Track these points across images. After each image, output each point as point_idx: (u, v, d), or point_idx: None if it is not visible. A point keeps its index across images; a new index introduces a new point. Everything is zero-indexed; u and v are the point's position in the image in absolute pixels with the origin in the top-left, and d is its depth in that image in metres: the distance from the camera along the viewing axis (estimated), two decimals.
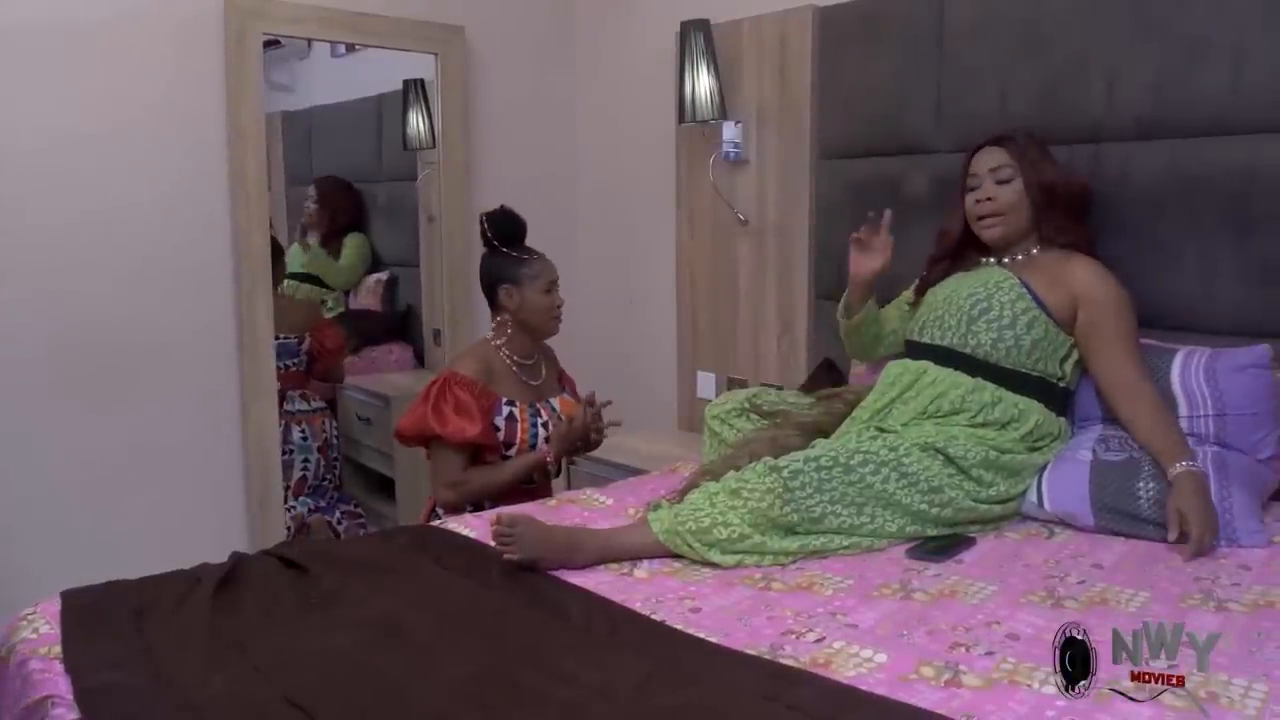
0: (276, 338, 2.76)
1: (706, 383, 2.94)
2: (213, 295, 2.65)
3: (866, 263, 2.10)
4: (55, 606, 1.48)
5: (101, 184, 2.47)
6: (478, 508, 2.17)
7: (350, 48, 3.06)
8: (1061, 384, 1.94)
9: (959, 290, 1.99)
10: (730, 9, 2.74)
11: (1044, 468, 1.87)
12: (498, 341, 2.27)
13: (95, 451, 2.52)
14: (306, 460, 3.00)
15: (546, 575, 1.62)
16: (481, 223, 2.27)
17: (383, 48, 2.92)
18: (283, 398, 2.84)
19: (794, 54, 2.62)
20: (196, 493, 2.67)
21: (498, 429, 2.20)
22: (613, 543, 1.70)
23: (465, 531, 1.85)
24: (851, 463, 1.71)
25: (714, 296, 2.90)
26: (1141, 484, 1.75)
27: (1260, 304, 1.92)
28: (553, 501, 2.09)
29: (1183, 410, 1.85)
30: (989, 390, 1.88)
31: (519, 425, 2.21)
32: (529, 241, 2.35)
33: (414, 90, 3.09)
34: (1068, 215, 1.99)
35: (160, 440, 2.61)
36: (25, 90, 2.35)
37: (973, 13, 2.28)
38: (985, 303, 1.93)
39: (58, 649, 1.36)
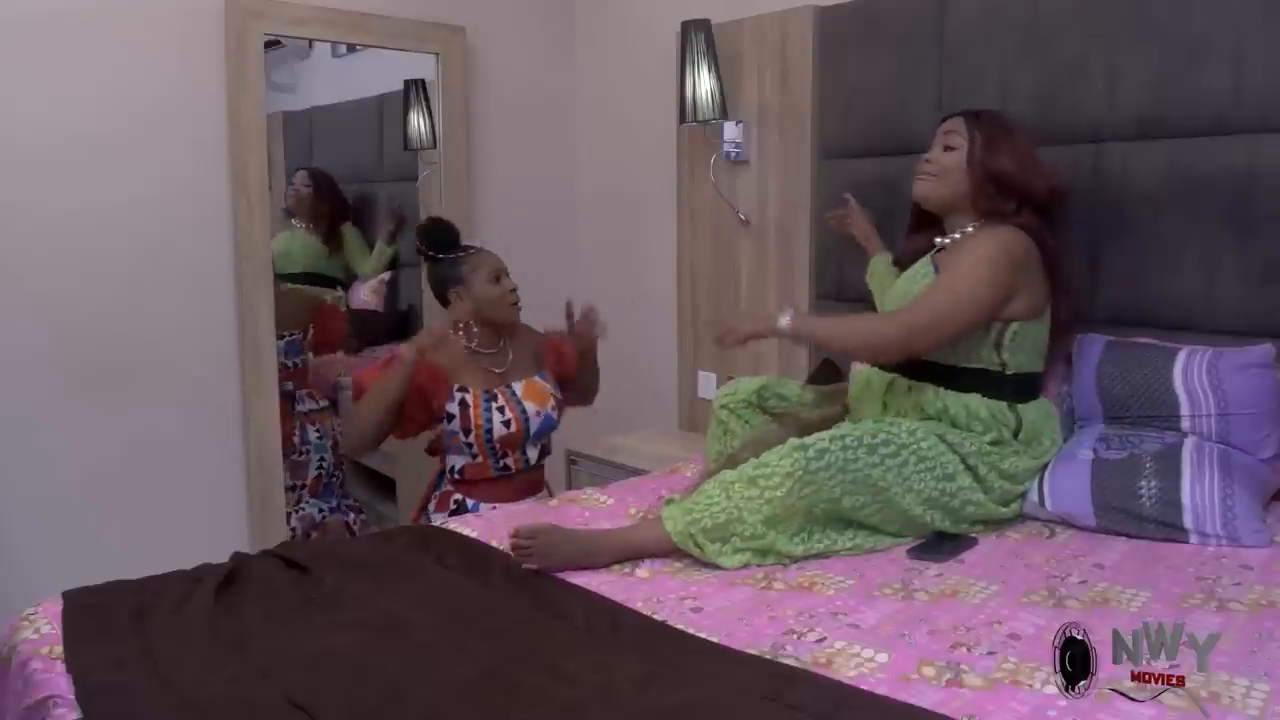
0: (280, 337, 2.75)
1: (707, 382, 2.94)
2: (213, 295, 2.65)
3: (854, 229, 2.41)
4: (56, 606, 1.48)
5: (103, 184, 2.47)
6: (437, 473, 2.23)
7: (351, 48, 3.05)
8: (1006, 371, 1.87)
9: (896, 288, 2.00)
10: (730, 9, 2.74)
11: (1045, 467, 1.87)
12: (458, 333, 2.28)
13: (96, 451, 2.52)
14: (322, 459, 3.00)
15: (548, 575, 1.62)
16: (415, 239, 2.29)
17: (383, 48, 2.92)
18: (293, 398, 2.83)
19: (794, 54, 2.62)
20: (197, 493, 2.67)
21: (451, 416, 2.21)
22: (630, 542, 1.70)
23: (466, 531, 1.85)
24: (875, 442, 1.70)
25: (714, 296, 2.90)
26: (1143, 483, 1.75)
27: (1261, 304, 1.92)
28: (554, 501, 2.09)
29: (1185, 410, 1.85)
30: (930, 390, 1.87)
31: (471, 411, 2.21)
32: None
33: (415, 90, 3.09)
34: (1015, 205, 1.89)
35: (161, 440, 2.61)
36: (26, 90, 2.35)
37: (973, 13, 2.28)
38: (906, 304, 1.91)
39: (59, 649, 1.36)
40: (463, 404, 2.21)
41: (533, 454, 2.30)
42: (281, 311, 2.73)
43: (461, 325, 2.27)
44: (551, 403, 2.31)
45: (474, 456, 2.23)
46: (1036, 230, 1.89)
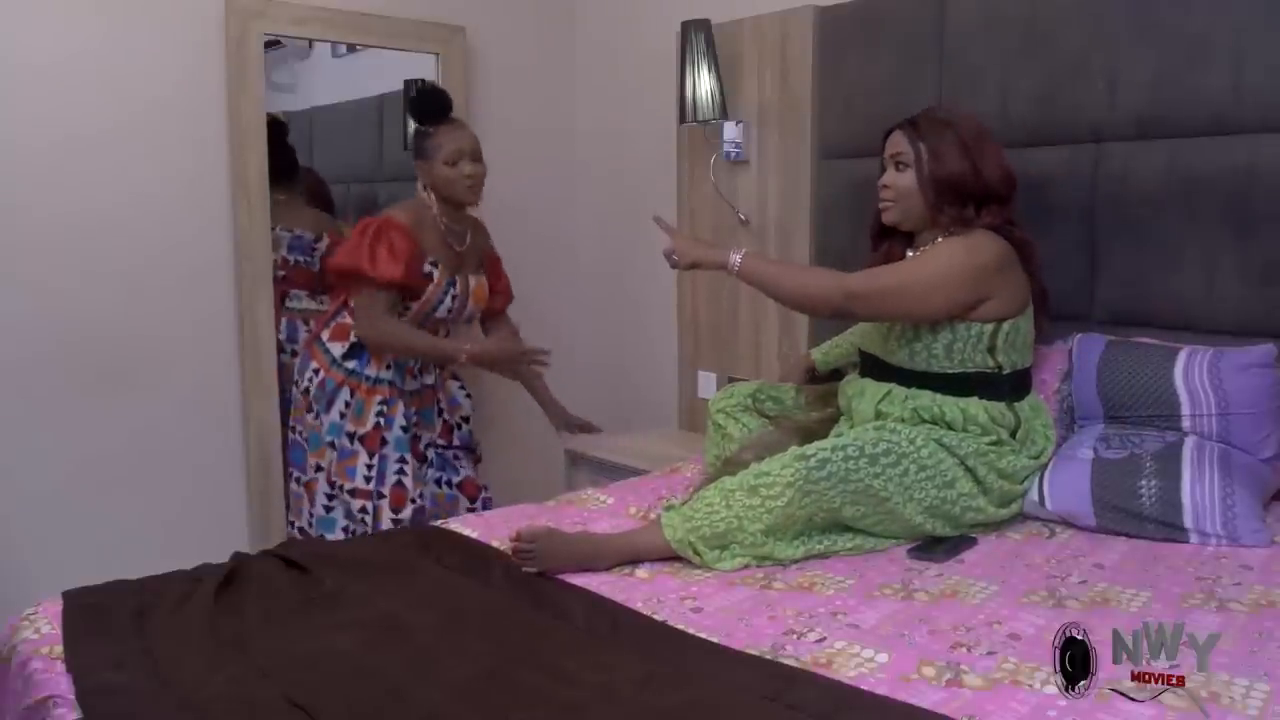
0: (289, 230, 2.75)
1: (708, 383, 2.94)
2: (214, 295, 2.65)
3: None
4: (57, 606, 1.48)
5: (103, 184, 2.47)
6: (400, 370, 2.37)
7: (351, 48, 3.05)
8: (1003, 371, 1.86)
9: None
10: (730, 9, 2.74)
11: (1043, 466, 1.87)
12: (432, 201, 2.39)
13: (96, 451, 2.52)
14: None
15: (548, 576, 1.62)
16: (409, 106, 2.42)
17: (383, 48, 2.91)
18: (285, 295, 2.74)
19: (794, 54, 2.62)
20: (197, 493, 2.67)
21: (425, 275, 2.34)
22: (630, 547, 1.70)
23: (466, 531, 1.85)
24: (876, 452, 1.70)
25: (714, 296, 2.90)
26: (1143, 482, 1.75)
27: (1261, 304, 1.92)
28: (552, 502, 2.09)
29: (1186, 409, 1.85)
30: (927, 395, 1.85)
31: (432, 287, 2.34)
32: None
33: (415, 90, 3.08)
34: (976, 205, 1.86)
35: (161, 440, 2.61)
36: (27, 90, 2.36)
37: (973, 13, 2.28)
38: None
39: (60, 649, 1.36)
40: (428, 275, 2.33)
41: (442, 330, 2.48)
42: (290, 214, 2.75)
43: (433, 197, 2.38)
44: (484, 304, 2.53)
45: (401, 315, 2.36)
46: (1003, 227, 1.87)
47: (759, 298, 2.78)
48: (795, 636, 1.38)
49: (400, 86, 3.11)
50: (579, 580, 1.61)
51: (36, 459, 2.44)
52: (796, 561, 1.67)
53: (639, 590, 1.57)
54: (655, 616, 1.46)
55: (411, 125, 2.47)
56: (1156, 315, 2.04)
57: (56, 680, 1.29)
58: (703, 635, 1.38)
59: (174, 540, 2.50)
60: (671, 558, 1.68)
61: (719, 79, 2.65)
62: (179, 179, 2.58)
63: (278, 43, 2.81)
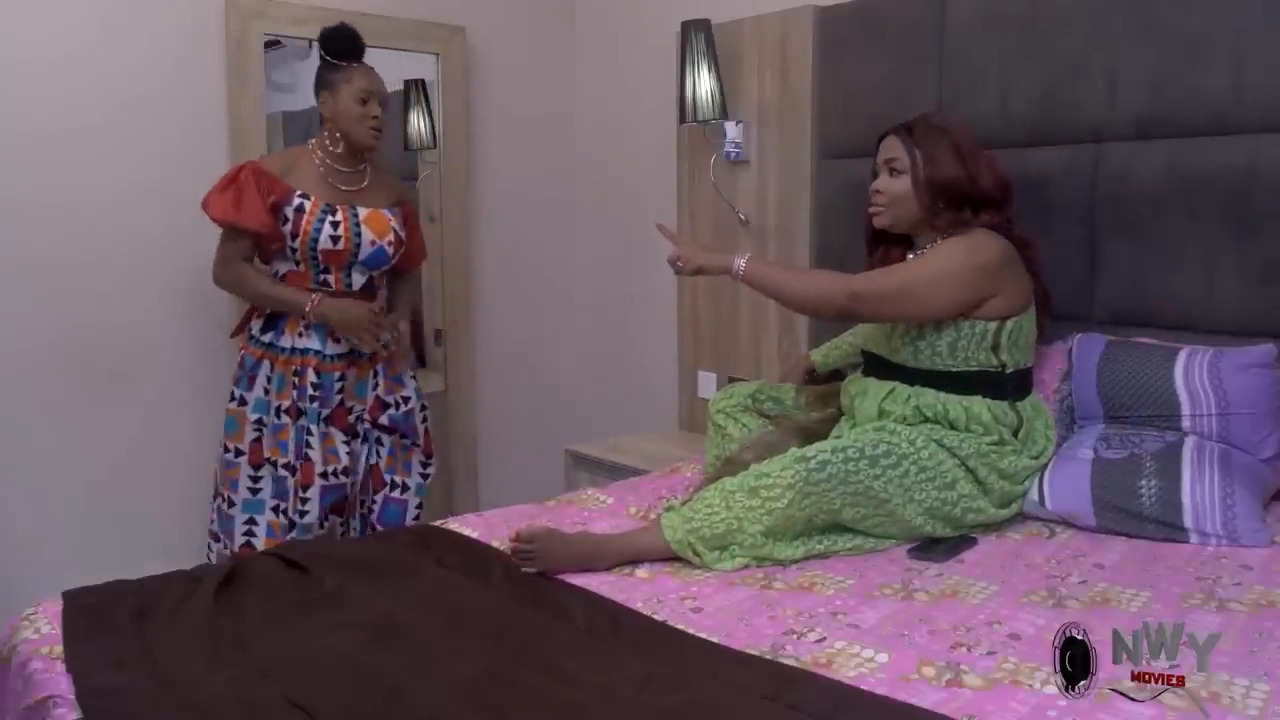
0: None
1: (708, 382, 2.94)
2: (213, 294, 2.64)
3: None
4: (57, 606, 1.48)
5: (103, 182, 2.47)
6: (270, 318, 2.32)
7: None
8: (1007, 370, 1.86)
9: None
10: (730, 9, 2.74)
11: (1046, 467, 1.87)
12: (316, 146, 2.33)
13: (95, 451, 2.52)
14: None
15: (548, 576, 1.63)
16: (320, 41, 2.34)
17: (383, 48, 2.91)
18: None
19: (794, 54, 2.62)
20: (196, 492, 2.66)
21: (286, 219, 2.25)
22: (630, 547, 1.70)
23: (466, 531, 1.85)
24: (876, 453, 1.70)
25: (714, 296, 2.90)
26: (1143, 482, 1.75)
27: (1261, 303, 1.92)
28: (553, 502, 2.09)
29: (1186, 409, 1.85)
30: (930, 393, 1.85)
31: (305, 217, 2.24)
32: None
33: (415, 90, 3.09)
34: (973, 208, 1.87)
35: (160, 440, 2.61)
36: (27, 89, 2.36)
37: (973, 13, 2.28)
38: None
39: (59, 649, 1.36)
40: (299, 209, 2.25)
41: (357, 279, 2.34)
42: None
43: (331, 137, 2.32)
44: (390, 238, 2.36)
45: (296, 263, 2.29)
46: (1002, 225, 1.88)
47: (759, 297, 2.78)
48: (795, 636, 1.38)
49: (400, 86, 3.12)
50: (579, 580, 1.61)
51: (36, 459, 2.44)
52: (796, 562, 1.67)
53: (639, 590, 1.57)
54: (655, 616, 1.46)
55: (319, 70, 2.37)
56: (1156, 315, 2.04)
57: (56, 680, 1.29)
58: (703, 635, 1.38)
59: (173, 540, 2.50)
60: (671, 558, 1.68)
61: (719, 79, 2.65)
62: (179, 178, 2.57)
63: (278, 43, 2.81)
